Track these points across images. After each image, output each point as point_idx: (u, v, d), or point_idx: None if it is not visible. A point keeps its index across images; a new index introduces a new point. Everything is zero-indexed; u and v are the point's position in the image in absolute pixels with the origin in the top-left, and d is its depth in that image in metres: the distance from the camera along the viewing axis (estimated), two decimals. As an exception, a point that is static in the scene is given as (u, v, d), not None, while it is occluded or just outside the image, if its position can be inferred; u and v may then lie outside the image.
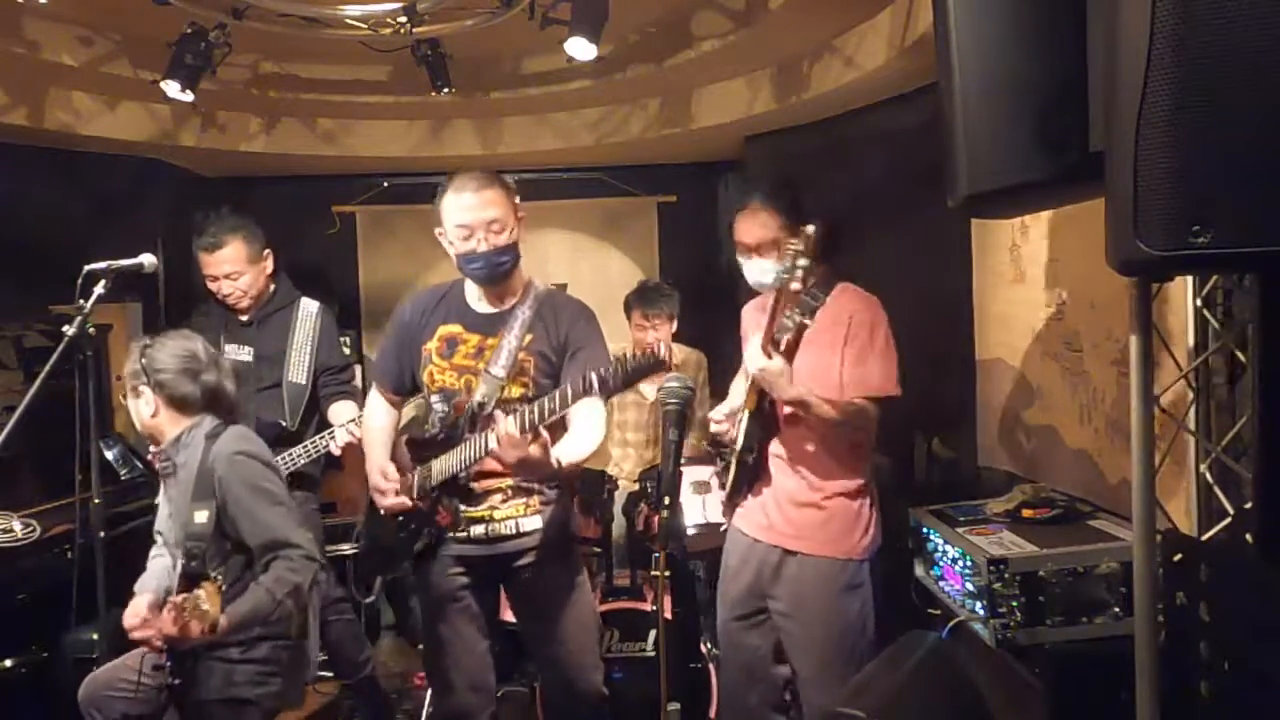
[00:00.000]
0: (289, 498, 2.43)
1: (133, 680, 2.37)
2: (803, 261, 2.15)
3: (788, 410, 2.46)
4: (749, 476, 2.55)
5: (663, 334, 3.85)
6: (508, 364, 2.40)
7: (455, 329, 2.48)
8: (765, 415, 2.47)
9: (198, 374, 2.44)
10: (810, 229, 2.17)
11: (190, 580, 2.23)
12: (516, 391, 2.41)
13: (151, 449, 2.56)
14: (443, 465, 2.41)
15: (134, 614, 2.35)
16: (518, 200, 2.45)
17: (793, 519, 2.48)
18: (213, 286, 3.25)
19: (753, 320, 2.71)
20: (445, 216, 2.41)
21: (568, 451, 2.31)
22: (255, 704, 2.34)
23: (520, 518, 2.44)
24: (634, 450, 3.98)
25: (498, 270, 2.41)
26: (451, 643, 2.50)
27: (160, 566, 2.52)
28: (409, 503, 2.42)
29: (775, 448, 2.52)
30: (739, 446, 2.46)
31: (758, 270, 2.51)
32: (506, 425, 2.16)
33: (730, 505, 2.65)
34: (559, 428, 2.52)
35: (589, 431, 2.39)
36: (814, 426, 2.45)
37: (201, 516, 2.29)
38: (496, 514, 2.45)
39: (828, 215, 2.53)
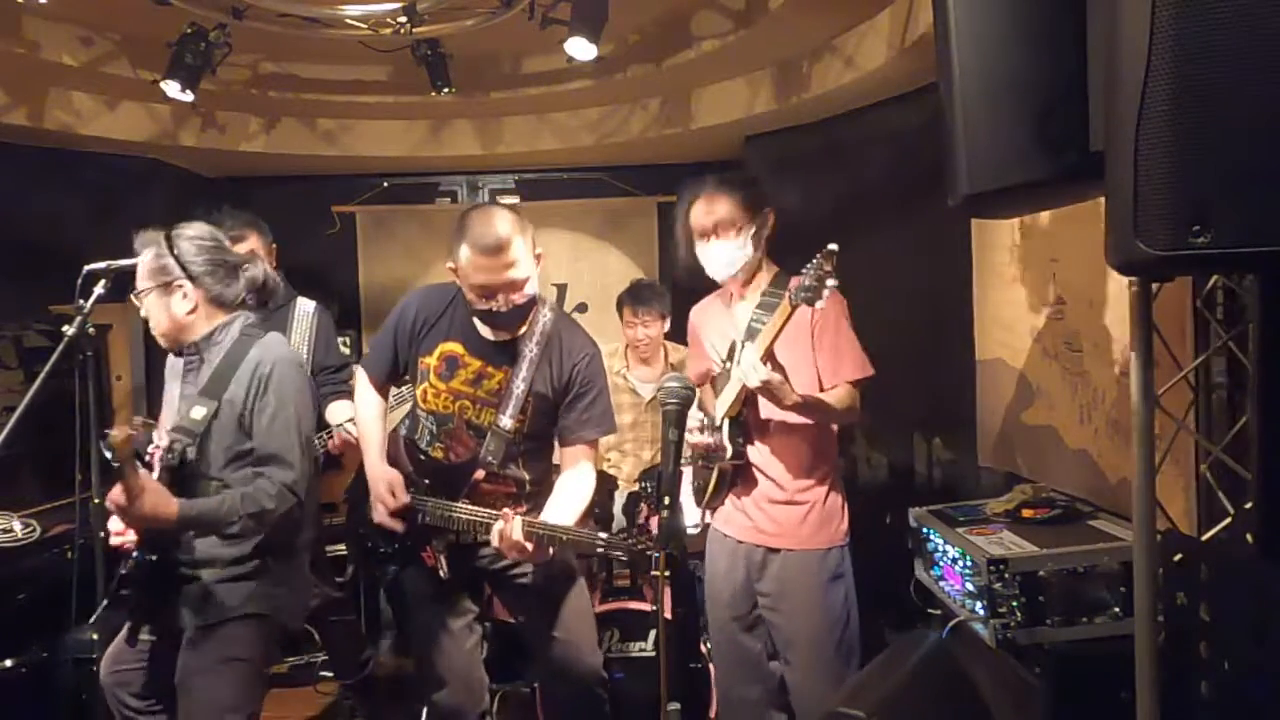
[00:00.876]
0: (312, 428, 2.37)
1: (140, 648, 2.32)
2: (831, 281, 2.14)
3: (765, 414, 2.50)
4: (729, 480, 2.58)
5: (653, 331, 3.84)
6: (515, 413, 2.39)
7: (457, 349, 2.45)
8: (744, 421, 2.52)
9: (237, 267, 2.33)
10: (833, 246, 2.17)
11: (170, 474, 2.15)
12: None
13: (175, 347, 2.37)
14: (440, 513, 2.40)
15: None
16: (534, 239, 2.36)
17: (774, 517, 2.54)
18: None
19: (709, 323, 2.73)
20: (462, 268, 2.31)
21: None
22: (270, 617, 2.27)
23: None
24: (631, 452, 3.98)
25: (513, 320, 2.38)
26: (440, 639, 2.51)
27: None
28: (402, 528, 2.40)
29: (751, 451, 2.55)
30: (729, 455, 2.48)
31: (721, 250, 2.49)
32: (514, 529, 2.19)
33: (710, 508, 2.67)
34: (546, 450, 2.53)
35: (579, 504, 2.40)
36: (789, 428, 2.49)
37: (199, 413, 2.19)
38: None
39: (779, 210, 2.57)
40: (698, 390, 2.74)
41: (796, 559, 2.52)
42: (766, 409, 2.47)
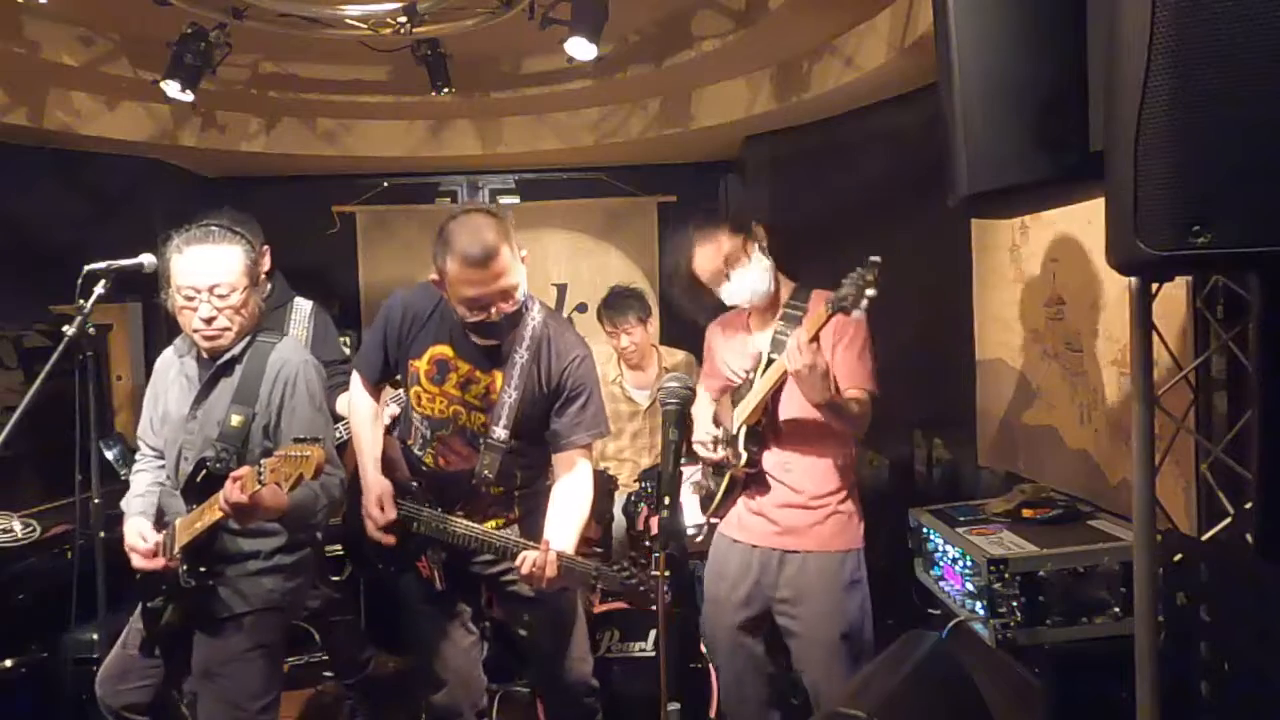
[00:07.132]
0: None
1: (138, 663, 2.35)
2: (870, 292, 2.16)
3: (784, 419, 2.51)
4: (740, 487, 2.58)
5: (636, 337, 3.78)
6: (509, 423, 2.36)
7: (446, 352, 2.40)
8: (760, 430, 2.53)
9: None
10: (876, 258, 2.19)
11: (213, 482, 2.18)
12: None
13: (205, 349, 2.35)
14: (436, 525, 2.39)
15: (139, 536, 2.31)
16: (517, 241, 2.27)
17: (791, 521, 2.54)
18: None
19: (726, 345, 2.74)
20: (450, 281, 2.21)
21: (565, 543, 2.31)
22: (285, 610, 2.38)
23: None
24: (629, 458, 3.97)
25: (505, 329, 2.31)
26: (437, 641, 2.51)
27: (145, 482, 2.47)
28: (392, 542, 2.39)
29: (768, 458, 2.56)
30: (742, 463, 2.49)
31: (743, 278, 2.49)
32: (550, 563, 2.19)
33: (717, 515, 2.68)
34: (539, 453, 2.51)
35: (580, 514, 2.39)
36: (808, 436, 2.49)
37: (237, 420, 2.26)
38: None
39: (789, 224, 2.57)
40: (713, 403, 2.74)
41: (816, 561, 2.52)
42: (787, 411, 2.49)
